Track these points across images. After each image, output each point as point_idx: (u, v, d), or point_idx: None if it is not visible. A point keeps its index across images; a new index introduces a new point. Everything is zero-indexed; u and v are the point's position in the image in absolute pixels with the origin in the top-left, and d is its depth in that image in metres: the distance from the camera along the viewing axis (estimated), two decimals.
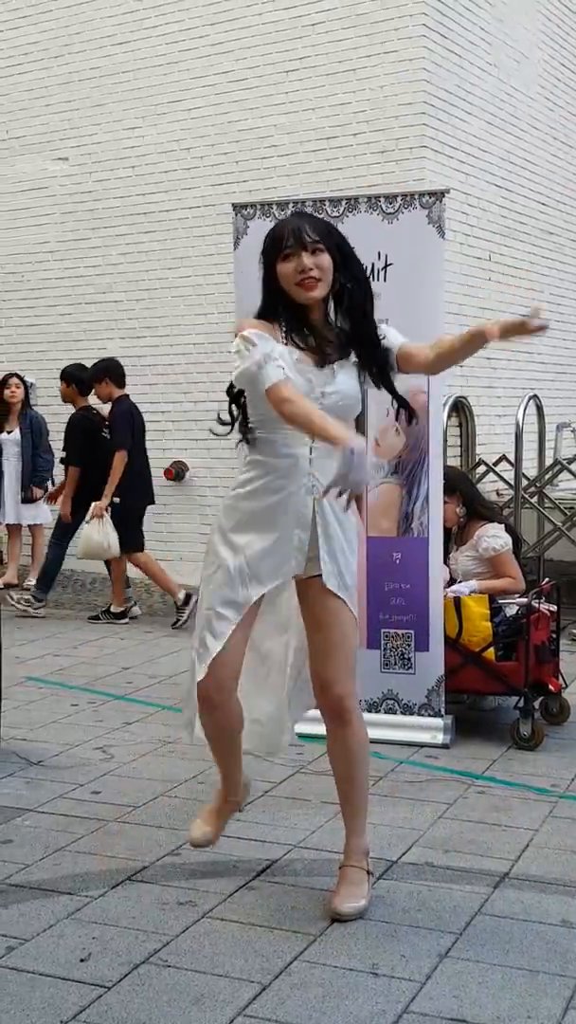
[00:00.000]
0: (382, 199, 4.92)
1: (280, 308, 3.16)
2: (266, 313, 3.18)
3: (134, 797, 4.22)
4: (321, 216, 3.26)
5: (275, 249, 3.13)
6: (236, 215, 5.14)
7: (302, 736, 4.81)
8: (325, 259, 3.10)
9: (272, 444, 3.17)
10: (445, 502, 5.14)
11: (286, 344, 3.12)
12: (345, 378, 3.15)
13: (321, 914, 3.23)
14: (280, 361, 3.05)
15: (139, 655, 6.72)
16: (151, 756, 4.76)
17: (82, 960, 2.95)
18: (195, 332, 9.11)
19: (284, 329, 3.15)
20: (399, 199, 4.89)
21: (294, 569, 3.21)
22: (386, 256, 4.86)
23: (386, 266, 4.86)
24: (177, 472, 9.12)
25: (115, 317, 9.55)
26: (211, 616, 3.20)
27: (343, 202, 4.98)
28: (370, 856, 3.38)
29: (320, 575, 3.20)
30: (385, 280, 4.83)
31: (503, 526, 5.28)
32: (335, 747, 3.32)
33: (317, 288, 3.10)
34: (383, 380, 3.22)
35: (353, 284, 3.17)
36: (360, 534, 3.36)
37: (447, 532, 5.27)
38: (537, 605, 5.00)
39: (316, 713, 4.80)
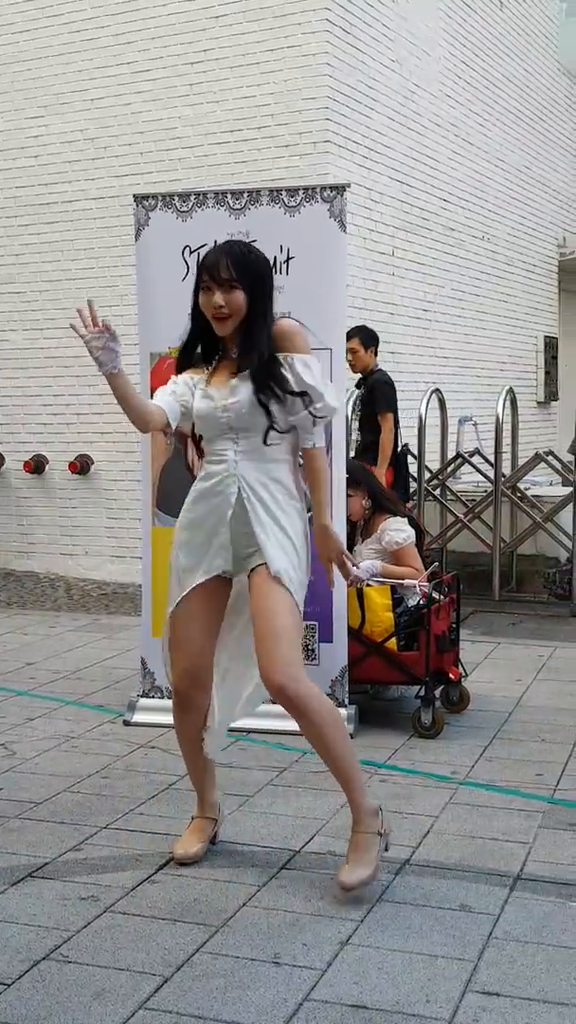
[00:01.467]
0: (284, 192, 4.93)
1: (201, 326, 3.41)
2: (192, 332, 3.45)
3: (36, 793, 4.17)
4: (246, 248, 3.40)
5: (198, 280, 3.36)
6: (137, 206, 5.11)
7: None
8: (238, 296, 3.29)
9: (208, 452, 3.44)
10: (351, 495, 5.18)
11: (204, 368, 3.43)
12: (243, 390, 3.33)
13: (223, 905, 3.23)
14: (172, 387, 3.41)
15: (42, 650, 6.64)
16: (54, 752, 4.71)
17: None
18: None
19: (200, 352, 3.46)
20: (301, 192, 4.91)
21: (222, 565, 3.40)
22: (288, 249, 4.88)
23: (288, 259, 4.87)
24: (82, 466, 9.04)
25: (18, 308, 9.42)
26: (168, 617, 3.48)
27: (245, 195, 4.98)
28: (373, 817, 3.36)
29: (258, 565, 3.33)
30: (287, 273, 4.85)
31: (407, 519, 5.33)
32: (303, 731, 3.38)
33: (227, 323, 3.33)
34: (276, 396, 3.34)
35: (256, 320, 3.32)
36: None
37: (353, 525, 5.32)
38: (437, 596, 5.06)
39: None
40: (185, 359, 3.49)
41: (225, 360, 3.42)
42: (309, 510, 3.47)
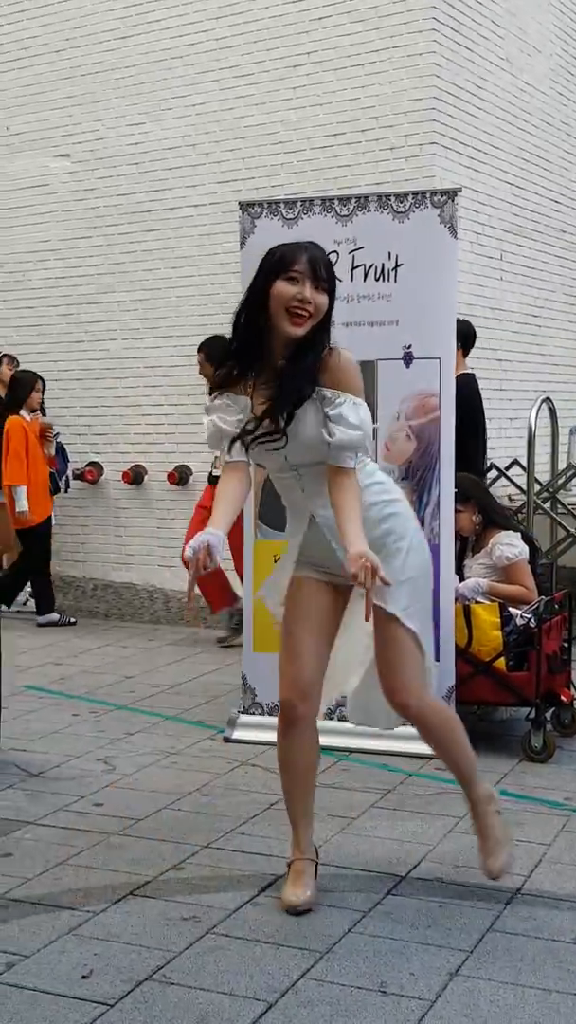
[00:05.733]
0: (393, 198, 4.84)
1: (252, 335, 3.11)
2: (239, 343, 3.15)
3: (136, 810, 4.15)
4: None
5: (280, 267, 3.06)
6: (243, 214, 5.06)
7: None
8: (323, 300, 3.08)
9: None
10: (459, 510, 5.05)
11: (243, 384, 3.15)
12: (303, 428, 3.12)
13: (328, 930, 3.15)
14: (223, 425, 3.19)
15: (141, 663, 6.64)
16: (154, 767, 4.68)
17: (83, 977, 2.89)
18: (199, 334, 9.00)
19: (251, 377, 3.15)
20: (410, 198, 4.81)
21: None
22: (397, 256, 4.78)
23: (397, 266, 4.78)
24: (180, 476, 9.03)
25: (118, 317, 9.46)
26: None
27: (353, 200, 4.90)
28: (490, 800, 3.42)
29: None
30: (396, 281, 4.75)
31: (519, 534, 5.19)
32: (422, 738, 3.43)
33: (305, 324, 3.06)
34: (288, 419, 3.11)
35: (320, 336, 3.10)
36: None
37: (464, 540, 5.20)
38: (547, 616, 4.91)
39: (324, 724, 4.75)
40: (230, 371, 3.19)
41: (265, 375, 3.14)
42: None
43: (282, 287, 3.04)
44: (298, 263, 3.04)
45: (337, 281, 3.19)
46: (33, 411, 7.97)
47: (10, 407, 7.89)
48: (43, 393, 8.19)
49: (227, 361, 3.21)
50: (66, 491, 8.68)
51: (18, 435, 7.72)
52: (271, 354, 3.14)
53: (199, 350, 7.17)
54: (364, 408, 3.14)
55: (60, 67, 9.62)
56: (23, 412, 7.85)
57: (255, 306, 3.10)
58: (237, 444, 3.19)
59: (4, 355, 8.87)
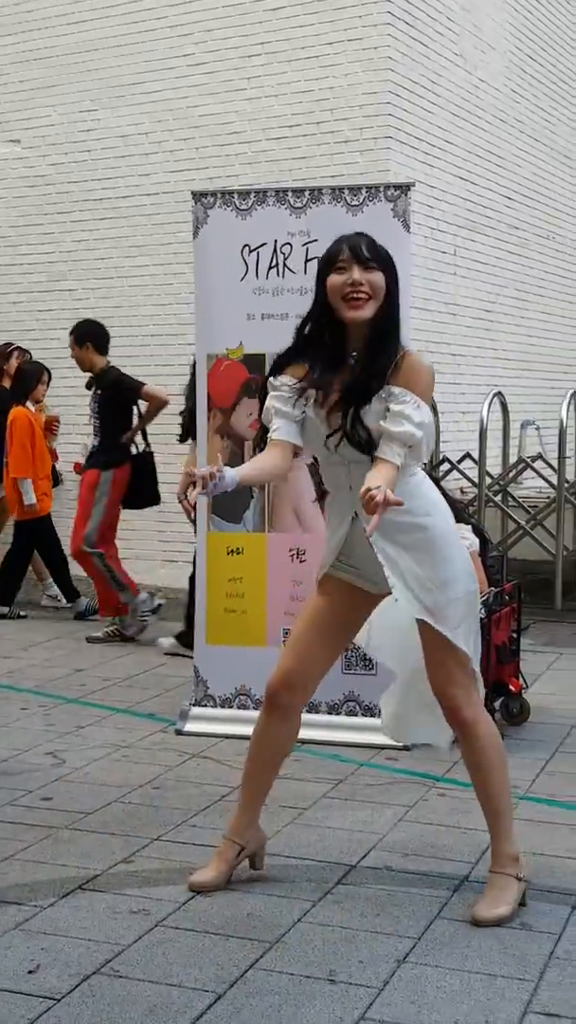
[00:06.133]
0: (346, 191, 4.84)
1: (322, 333, 3.14)
2: (307, 339, 3.17)
3: (86, 803, 4.12)
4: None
5: (327, 265, 3.11)
6: (196, 203, 5.04)
7: None
8: (378, 277, 3.08)
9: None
10: None
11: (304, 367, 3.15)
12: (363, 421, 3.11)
13: (277, 920, 3.15)
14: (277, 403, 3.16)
15: (93, 657, 6.59)
16: (104, 761, 4.65)
17: (30, 972, 2.87)
18: (153, 323, 8.98)
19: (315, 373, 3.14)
20: (364, 191, 4.81)
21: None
22: None
23: None
24: None
25: (70, 306, 9.35)
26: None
27: (307, 193, 4.90)
28: (513, 862, 3.25)
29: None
30: None
31: (470, 527, 5.22)
32: (463, 755, 3.32)
33: (366, 307, 3.06)
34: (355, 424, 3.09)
35: (391, 314, 3.11)
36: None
37: None
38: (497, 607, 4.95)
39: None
40: (288, 357, 3.22)
41: (340, 372, 3.13)
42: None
43: (333, 280, 3.08)
44: (341, 253, 3.09)
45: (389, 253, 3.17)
46: (37, 403, 7.88)
47: (16, 398, 7.80)
48: (48, 385, 8.05)
49: (294, 356, 3.22)
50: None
51: (24, 427, 7.63)
52: (344, 349, 3.15)
53: (71, 333, 7.24)
54: (428, 412, 3.09)
55: (11, 52, 9.51)
56: (28, 404, 7.75)
57: (321, 311, 3.14)
58: (284, 423, 3.16)
59: (15, 347, 8.56)
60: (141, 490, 7.13)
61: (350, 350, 3.15)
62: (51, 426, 8.02)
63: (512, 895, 3.21)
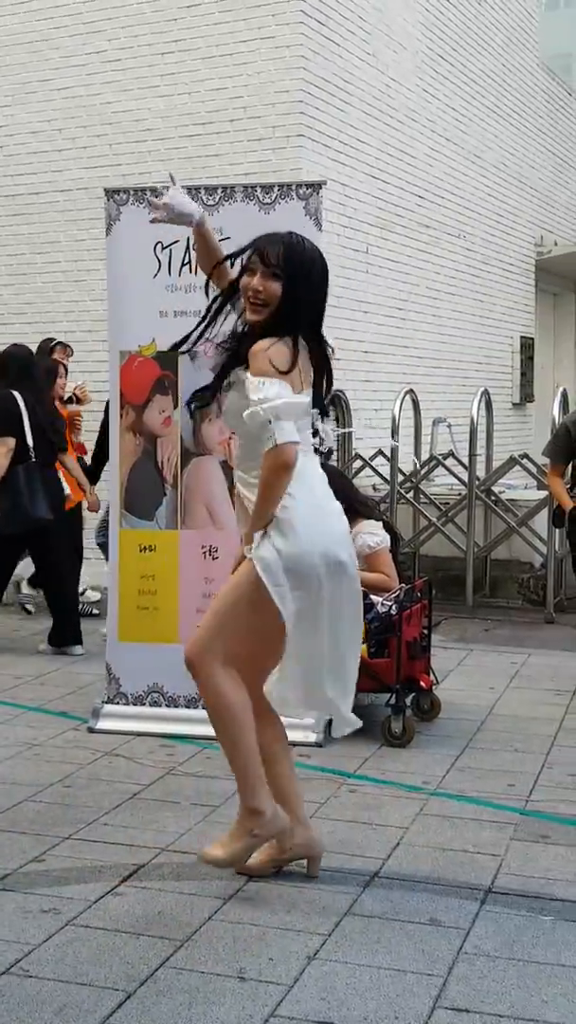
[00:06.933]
0: (259, 189, 4.85)
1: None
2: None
3: None
4: (304, 245, 3.27)
5: (245, 261, 3.26)
6: (108, 200, 5.01)
7: (173, 737, 4.78)
8: (275, 287, 3.19)
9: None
10: None
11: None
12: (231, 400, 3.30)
13: (188, 918, 3.16)
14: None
15: (3, 653, 6.52)
16: (16, 759, 4.61)
17: None
18: (66, 320, 8.90)
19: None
20: (276, 189, 4.83)
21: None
22: None
23: None
24: None
25: None
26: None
27: (219, 190, 4.90)
28: (249, 816, 3.29)
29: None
30: None
31: (381, 523, 5.27)
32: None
33: (261, 312, 3.20)
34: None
35: (283, 321, 3.19)
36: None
37: None
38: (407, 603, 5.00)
39: (189, 713, 4.71)
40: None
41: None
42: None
43: (243, 280, 3.24)
44: (252, 255, 3.23)
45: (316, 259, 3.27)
46: (62, 400, 7.58)
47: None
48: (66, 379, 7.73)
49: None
50: None
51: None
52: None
53: None
54: (269, 389, 3.10)
55: None
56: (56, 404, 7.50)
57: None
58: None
59: (57, 343, 7.74)
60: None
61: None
62: (75, 420, 7.62)
63: (238, 845, 3.29)
